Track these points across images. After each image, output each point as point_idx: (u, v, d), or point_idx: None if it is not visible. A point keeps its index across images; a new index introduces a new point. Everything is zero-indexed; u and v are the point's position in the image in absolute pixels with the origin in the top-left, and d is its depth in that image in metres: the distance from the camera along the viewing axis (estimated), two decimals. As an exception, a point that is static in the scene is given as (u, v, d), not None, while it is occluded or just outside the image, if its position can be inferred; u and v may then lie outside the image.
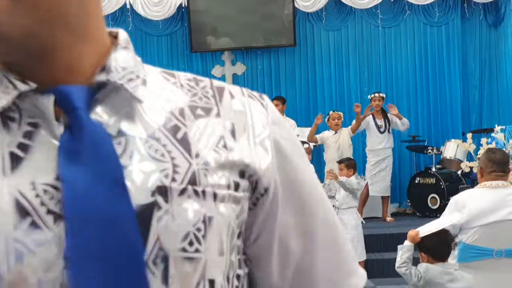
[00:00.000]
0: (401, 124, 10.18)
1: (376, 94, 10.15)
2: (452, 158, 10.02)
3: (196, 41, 11.41)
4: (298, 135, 9.91)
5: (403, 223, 9.75)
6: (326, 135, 9.79)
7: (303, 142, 8.72)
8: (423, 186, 10.25)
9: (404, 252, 4.11)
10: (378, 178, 9.98)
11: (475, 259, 4.32)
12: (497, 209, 4.32)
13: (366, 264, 8.08)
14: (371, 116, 10.17)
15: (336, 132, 9.67)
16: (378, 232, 8.95)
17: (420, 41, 11.51)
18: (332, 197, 8.44)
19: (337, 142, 9.62)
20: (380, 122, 10.13)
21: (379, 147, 10.04)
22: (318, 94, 11.57)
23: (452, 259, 4.50)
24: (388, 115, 10.22)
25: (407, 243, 4.13)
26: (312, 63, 11.64)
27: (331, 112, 9.90)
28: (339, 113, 9.78)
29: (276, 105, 10.04)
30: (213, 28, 11.44)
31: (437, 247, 4.06)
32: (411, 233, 4.14)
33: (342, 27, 11.57)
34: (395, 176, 11.22)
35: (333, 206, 8.21)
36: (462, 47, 11.49)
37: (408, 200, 10.61)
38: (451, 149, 10.05)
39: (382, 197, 10.13)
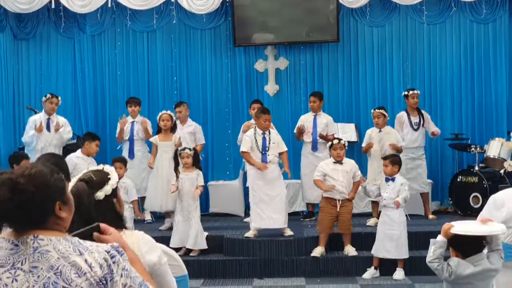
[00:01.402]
0: (432, 126, 10.18)
1: (414, 91, 10.09)
2: (496, 157, 9.91)
3: (240, 35, 11.45)
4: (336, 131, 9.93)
5: (445, 222, 9.59)
6: (371, 132, 9.73)
7: (338, 139, 8.69)
8: (466, 184, 10.16)
9: (436, 248, 4.09)
10: (415, 174, 9.91)
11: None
12: (536, 208, 4.27)
13: (405, 262, 8.05)
14: (405, 114, 10.12)
15: (380, 131, 9.58)
16: (418, 230, 8.90)
17: (466, 38, 11.37)
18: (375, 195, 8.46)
19: (380, 142, 9.53)
20: (415, 119, 10.09)
21: (414, 145, 9.99)
22: (360, 90, 11.52)
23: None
24: (423, 112, 10.16)
25: (440, 238, 4.10)
26: (355, 59, 11.60)
27: (372, 110, 9.84)
28: (380, 110, 9.67)
29: (313, 102, 10.04)
30: (257, 23, 11.48)
31: (470, 246, 4.03)
32: (445, 226, 4.11)
33: (386, 23, 11.50)
34: (436, 174, 11.15)
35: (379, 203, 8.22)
36: (509, 44, 11.31)
37: (450, 199, 10.52)
38: (495, 147, 9.93)
39: (421, 194, 10.05)
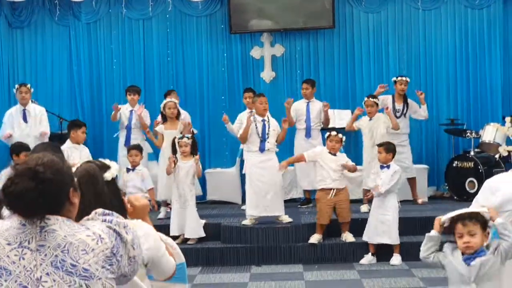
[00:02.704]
0: (422, 110, 10.14)
1: (403, 78, 10.08)
2: (491, 142, 9.95)
3: (236, 22, 11.44)
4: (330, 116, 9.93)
5: (440, 207, 9.72)
6: (362, 121, 9.72)
7: (336, 130, 8.71)
8: (461, 169, 10.20)
9: (427, 242, 4.13)
10: (399, 160, 9.83)
11: None
12: (531, 193, 4.29)
13: (401, 247, 8.09)
14: (390, 98, 10.13)
15: (371, 119, 9.59)
16: (415, 215, 8.94)
17: (461, 23, 11.37)
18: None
19: (370, 130, 9.54)
20: (399, 106, 10.11)
21: (395, 132, 9.94)
22: (356, 76, 11.53)
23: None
24: (408, 100, 10.14)
25: (433, 233, 4.13)
26: (351, 46, 11.59)
27: (365, 99, 9.81)
28: (373, 100, 9.66)
29: (306, 89, 10.05)
30: (253, 10, 11.47)
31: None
32: (435, 220, 4.15)
33: (381, 9, 11.49)
34: (432, 160, 11.19)
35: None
36: (503, 30, 11.32)
37: (446, 184, 10.56)
38: (490, 133, 9.97)
39: (408, 180, 10.03)
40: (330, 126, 10.23)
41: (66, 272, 2.24)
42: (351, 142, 10.81)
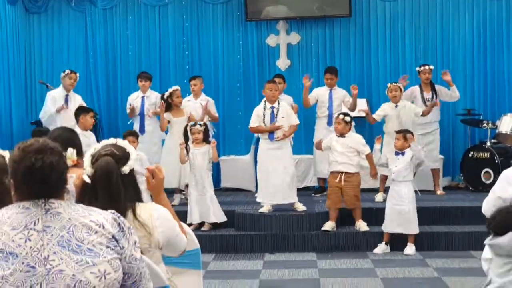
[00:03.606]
0: (452, 92, 10.05)
1: (426, 67, 10.00)
2: (508, 133, 9.88)
3: (251, 10, 11.41)
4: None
5: (456, 197, 9.71)
6: (388, 108, 9.61)
7: (342, 113, 8.68)
8: (477, 160, 10.14)
9: None
10: (426, 151, 9.83)
11: (525, 233, 4.27)
12: (548, 184, 4.25)
13: (415, 237, 8.07)
14: (418, 88, 10.06)
15: (397, 106, 9.47)
16: (429, 205, 8.91)
17: (479, 13, 11.27)
18: (384, 166, 8.46)
19: (398, 117, 9.43)
20: (428, 95, 10.02)
21: (426, 121, 9.92)
22: (372, 65, 11.48)
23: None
24: (436, 87, 10.07)
25: None
26: (367, 34, 11.54)
27: (389, 85, 9.72)
28: (397, 84, 9.58)
29: (331, 79, 9.97)
30: (269, -2, 11.44)
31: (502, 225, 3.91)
32: None
33: (398, -2, 11.43)
34: (448, 150, 11.13)
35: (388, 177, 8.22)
36: (522, 19, 11.24)
37: (461, 174, 10.52)
38: (507, 123, 9.90)
39: (432, 170, 10.05)
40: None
41: (73, 251, 2.27)
42: (366, 129, 10.77)
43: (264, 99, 8.79)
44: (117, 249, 2.35)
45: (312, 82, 10.06)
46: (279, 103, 8.70)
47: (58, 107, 9.88)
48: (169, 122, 9.51)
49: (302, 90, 10.29)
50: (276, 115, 8.60)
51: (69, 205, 2.37)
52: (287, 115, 8.67)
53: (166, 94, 9.53)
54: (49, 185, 2.32)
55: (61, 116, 9.86)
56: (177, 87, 9.62)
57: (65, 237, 2.28)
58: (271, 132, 8.61)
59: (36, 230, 2.28)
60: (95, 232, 2.32)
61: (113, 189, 3.05)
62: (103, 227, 2.34)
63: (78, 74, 10.21)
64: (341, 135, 8.47)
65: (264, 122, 8.63)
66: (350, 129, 8.54)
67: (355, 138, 8.56)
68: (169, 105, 9.50)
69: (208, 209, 8.51)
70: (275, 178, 8.59)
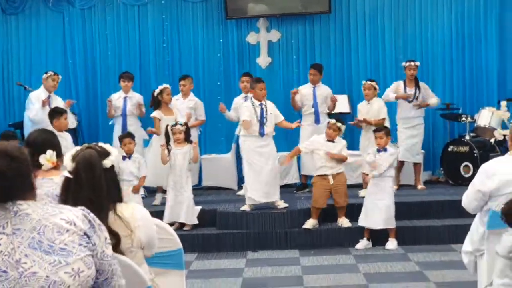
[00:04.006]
0: (432, 97, 10.19)
1: (412, 63, 10.06)
2: (486, 126, 9.94)
3: (231, 8, 11.41)
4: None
5: (436, 191, 9.76)
6: (361, 106, 9.74)
7: (336, 117, 8.78)
8: (457, 154, 10.21)
9: None
10: (409, 145, 9.95)
11: (504, 226, 4.31)
12: (526, 177, 4.30)
13: (396, 231, 8.12)
14: (402, 84, 10.13)
15: (368, 103, 9.61)
16: (410, 200, 8.96)
17: (457, 7, 11.33)
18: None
19: (368, 114, 9.58)
20: (410, 90, 10.08)
21: (409, 115, 10.01)
22: (352, 61, 11.52)
23: (482, 226, 4.51)
24: (420, 84, 10.15)
25: None
26: (347, 30, 11.58)
27: (364, 82, 9.86)
28: (370, 83, 9.71)
29: (314, 75, 10.01)
30: (248, -5, 11.44)
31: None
32: None
33: (378, -6, 11.47)
34: (428, 144, 11.19)
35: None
36: (499, 13, 11.28)
37: (441, 168, 10.58)
38: (485, 117, 9.96)
39: (414, 165, 10.12)
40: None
41: (45, 252, 2.25)
42: (347, 126, 10.79)
43: (243, 95, 8.82)
44: (89, 246, 2.34)
45: (293, 80, 10.10)
46: (265, 101, 8.77)
47: (43, 100, 9.74)
48: (159, 120, 9.44)
49: (282, 87, 10.30)
50: (266, 112, 8.64)
51: (38, 205, 2.34)
52: (274, 112, 8.74)
53: (157, 91, 9.49)
54: (12, 188, 2.28)
55: (42, 116, 9.77)
56: (167, 85, 9.57)
57: (36, 239, 2.26)
58: (261, 128, 8.63)
59: (5, 233, 2.25)
60: (67, 231, 2.30)
61: (96, 181, 3.04)
62: (75, 224, 2.32)
63: (60, 77, 10.10)
64: (331, 140, 8.52)
65: (256, 116, 8.64)
66: (338, 134, 8.63)
67: (343, 144, 8.63)
68: (159, 102, 9.46)
69: (180, 209, 8.48)
70: (263, 175, 8.60)
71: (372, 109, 9.68)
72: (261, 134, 8.65)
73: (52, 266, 2.24)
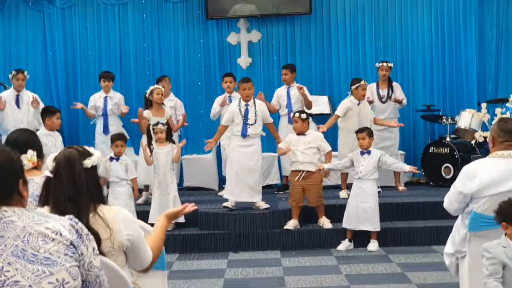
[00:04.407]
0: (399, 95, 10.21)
1: (384, 64, 10.07)
2: (467, 128, 10.00)
3: (212, 8, 11.39)
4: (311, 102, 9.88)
5: (417, 193, 9.79)
6: (350, 104, 9.61)
7: (298, 112, 8.68)
8: (437, 155, 10.26)
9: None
10: (383, 146, 9.91)
11: (485, 228, 4.34)
12: (508, 179, 4.31)
13: (378, 233, 8.13)
14: (375, 85, 10.17)
15: (359, 103, 9.44)
16: (391, 201, 8.98)
17: (437, 9, 11.40)
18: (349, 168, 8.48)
19: (359, 114, 9.42)
20: (383, 92, 10.11)
21: (382, 117, 10.01)
22: (333, 62, 11.54)
23: (463, 228, 4.53)
24: (394, 84, 10.15)
25: None
26: (328, 31, 11.59)
27: (362, 81, 9.67)
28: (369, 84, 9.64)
29: (285, 74, 10.00)
30: (229, -4, 11.42)
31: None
32: None
33: (358, -5, 11.50)
34: (409, 146, 11.25)
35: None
36: (479, 15, 11.36)
37: (422, 170, 10.61)
38: (466, 119, 10.02)
39: None
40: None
41: (28, 261, 2.21)
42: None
43: (226, 95, 8.81)
44: (75, 256, 2.30)
45: (273, 81, 10.06)
46: (254, 101, 8.71)
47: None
48: (148, 120, 9.38)
49: (263, 88, 10.27)
50: (254, 113, 8.59)
51: (24, 212, 2.30)
52: (262, 114, 8.69)
53: (148, 91, 9.40)
54: None
55: (11, 117, 9.67)
56: (158, 85, 9.46)
57: (19, 247, 2.22)
58: (244, 129, 8.60)
59: None
60: (52, 240, 2.26)
61: (76, 179, 3.02)
62: (60, 234, 2.29)
63: (25, 73, 9.87)
64: (301, 133, 8.47)
65: (241, 116, 8.59)
66: (308, 126, 8.53)
67: (316, 135, 8.57)
68: (150, 103, 9.39)
69: (167, 208, 8.42)
70: (246, 175, 8.58)
71: (363, 110, 9.48)
72: (243, 135, 8.61)
73: (36, 275, 2.20)
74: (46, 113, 8.77)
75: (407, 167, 8.08)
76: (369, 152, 8.12)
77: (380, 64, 10.12)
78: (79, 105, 10.23)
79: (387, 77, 10.14)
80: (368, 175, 8.04)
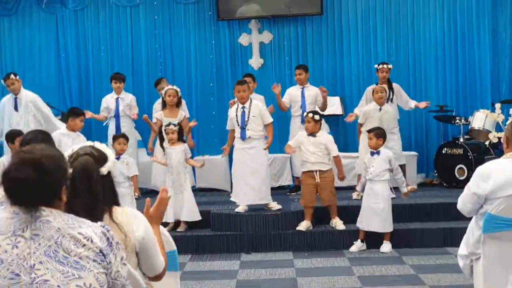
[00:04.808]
0: (406, 102, 10.04)
1: (384, 66, 9.93)
2: (481, 129, 9.95)
3: (223, 9, 11.39)
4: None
5: (430, 194, 9.75)
6: (371, 109, 9.53)
7: (310, 112, 8.62)
8: (451, 156, 10.21)
9: None
10: (388, 147, 9.72)
11: (500, 229, 4.29)
12: (523, 180, 4.27)
13: (391, 234, 8.10)
14: (375, 86, 10.07)
15: (381, 109, 9.38)
16: (404, 202, 8.93)
17: (449, 9, 11.35)
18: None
19: (380, 119, 9.33)
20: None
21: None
22: (345, 62, 11.51)
23: (478, 229, 4.49)
24: (394, 86, 10.02)
25: None
26: (339, 32, 11.57)
27: (374, 86, 9.62)
28: (383, 86, 9.49)
29: (299, 74, 9.97)
30: (240, -3, 11.42)
31: None
32: None
33: (370, -5, 11.46)
34: (421, 146, 11.20)
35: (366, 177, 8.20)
36: (492, 15, 11.30)
37: (435, 171, 10.57)
38: (480, 119, 9.96)
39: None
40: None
41: (59, 262, 2.25)
42: (339, 127, 10.85)
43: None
44: (103, 264, 2.33)
45: (285, 82, 10.02)
46: (251, 103, 8.68)
47: None
48: (160, 121, 9.38)
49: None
50: (248, 114, 8.58)
51: (60, 214, 2.34)
52: (259, 114, 8.64)
53: (162, 92, 9.39)
54: (34, 195, 2.29)
55: (10, 120, 9.70)
56: (171, 86, 9.42)
57: (52, 247, 2.26)
58: (242, 132, 8.59)
59: (24, 237, 2.26)
60: (83, 245, 2.29)
61: (94, 187, 3.01)
62: (91, 241, 2.32)
63: (12, 76, 9.72)
64: (312, 134, 8.45)
65: (237, 122, 8.61)
66: (320, 127, 8.50)
67: (326, 137, 8.55)
68: (165, 104, 9.38)
69: (182, 207, 8.48)
70: (249, 178, 8.57)
71: (384, 116, 9.35)
72: (242, 138, 8.60)
73: (65, 277, 2.24)
74: (71, 113, 8.85)
75: (405, 189, 8.07)
76: (378, 153, 8.09)
77: (380, 66, 9.92)
78: (89, 114, 10.20)
79: (387, 79, 10.01)
80: (378, 176, 8.00)
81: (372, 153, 8.15)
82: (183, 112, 9.49)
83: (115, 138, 8.67)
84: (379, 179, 8.01)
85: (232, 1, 11.44)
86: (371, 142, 8.16)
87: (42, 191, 2.29)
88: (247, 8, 11.46)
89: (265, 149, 8.69)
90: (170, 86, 9.37)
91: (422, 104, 9.93)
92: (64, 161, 2.45)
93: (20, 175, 2.26)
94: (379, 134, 8.20)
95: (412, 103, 9.99)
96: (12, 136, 8.19)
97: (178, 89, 9.32)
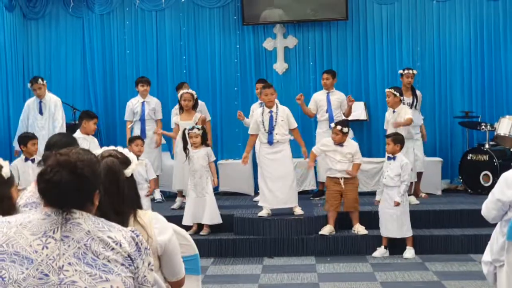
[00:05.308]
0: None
1: (410, 71, 9.88)
2: (506, 135, 9.86)
3: (248, 14, 11.41)
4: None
5: (455, 200, 9.69)
6: (388, 114, 9.54)
7: (338, 123, 8.62)
8: (476, 163, 10.13)
9: None
10: (409, 153, 9.63)
11: (524, 236, 4.26)
12: (547, 187, 4.24)
13: (414, 240, 8.06)
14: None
15: (394, 111, 9.38)
16: (428, 208, 8.90)
17: (476, 15, 11.26)
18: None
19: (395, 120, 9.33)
20: (408, 99, 9.89)
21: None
22: (369, 68, 11.47)
23: (502, 236, 4.46)
24: (417, 92, 9.97)
25: None
26: (364, 37, 11.52)
27: (386, 90, 9.64)
28: (389, 90, 9.47)
29: (327, 79, 9.97)
30: (265, 1, 11.42)
31: None
32: None
33: (395, 1, 11.40)
34: (446, 152, 11.13)
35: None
36: (518, 20, 11.23)
37: (460, 177, 10.49)
38: (505, 125, 9.88)
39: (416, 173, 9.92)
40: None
41: (87, 264, 2.28)
42: (363, 132, 10.83)
43: (259, 101, 8.80)
44: (131, 268, 2.36)
45: (309, 87, 10.02)
46: (277, 107, 8.69)
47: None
48: (178, 125, 9.44)
49: (299, 93, 10.26)
50: (276, 119, 8.59)
51: (91, 217, 2.38)
52: (286, 118, 8.66)
53: (179, 96, 9.47)
54: (66, 197, 2.32)
55: (31, 125, 9.80)
56: (185, 90, 9.49)
57: (81, 249, 2.29)
58: (270, 136, 8.60)
59: (54, 238, 2.29)
60: (112, 249, 2.32)
61: (120, 188, 3.02)
62: (120, 245, 2.35)
63: (40, 80, 9.78)
64: (339, 144, 8.46)
65: (263, 126, 8.62)
66: (347, 138, 8.53)
67: (352, 145, 8.55)
68: (181, 107, 9.45)
69: (203, 210, 8.51)
70: (276, 182, 8.58)
71: (399, 117, 9.37)
72: (269, 142, 8.61)
73: (92, 279, 2.27)
74: (85, 116, 8.90)
75: (398, 199, 7.95)
76: (394, 158, 8.06)
77: (406, 71, 9.91)
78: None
79: (411, 84, 9.97)
80: (393, 182, 7.97)
81: (388, 158, 8.14)
82: (198, 113, 9.52)
83: (131, 140, 8.70)
84: (394, 185, 7.97)
85: (257, 6, 11.45)
86: (388, 147, 8.15)
87: (76, 194, 2.32)
88: (272, 12, 11.47)
89: (305, 158, 8.77)
90: (185, 90, 9.43)
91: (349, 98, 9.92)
92: (99, 166, 2.48)
93: (56, 177, 2.29)
94: (397, 139, 8.17)
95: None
96: (25, 139, 8.29)
97: (194, 92, 9.40)
